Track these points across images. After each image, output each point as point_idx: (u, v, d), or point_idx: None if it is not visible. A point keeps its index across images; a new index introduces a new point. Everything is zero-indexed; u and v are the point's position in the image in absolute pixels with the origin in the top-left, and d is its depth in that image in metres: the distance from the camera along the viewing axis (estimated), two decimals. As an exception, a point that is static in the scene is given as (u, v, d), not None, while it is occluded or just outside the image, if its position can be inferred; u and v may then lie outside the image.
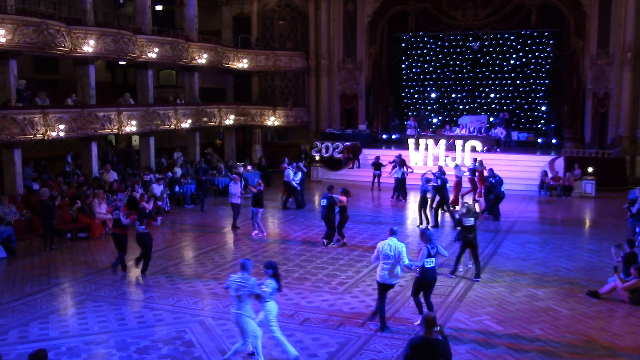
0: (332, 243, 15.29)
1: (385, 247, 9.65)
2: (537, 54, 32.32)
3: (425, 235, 9.90)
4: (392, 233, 9.84)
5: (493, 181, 18.52)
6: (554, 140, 29.18)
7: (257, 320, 8.56)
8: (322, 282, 12.27)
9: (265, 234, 16.56)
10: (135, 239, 12.98)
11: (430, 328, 6.47)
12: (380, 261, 9.69)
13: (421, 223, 17.44)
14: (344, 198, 15.14)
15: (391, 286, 9.82)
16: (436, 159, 25.97)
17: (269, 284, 8.49)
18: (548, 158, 25.28)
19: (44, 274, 12.95)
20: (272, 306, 8.54)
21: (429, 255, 9.72)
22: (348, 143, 27.79)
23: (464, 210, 12.64)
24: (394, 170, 21.91)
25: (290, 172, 20.40)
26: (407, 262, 9.69)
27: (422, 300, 9.99)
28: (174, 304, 10.98)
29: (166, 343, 9.23)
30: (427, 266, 9.71)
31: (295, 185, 20.27)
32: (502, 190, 18.61)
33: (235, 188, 17.24)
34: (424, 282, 9.79)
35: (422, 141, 26.48)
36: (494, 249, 15.08)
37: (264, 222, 17.97)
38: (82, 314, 10.49)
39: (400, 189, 21.63)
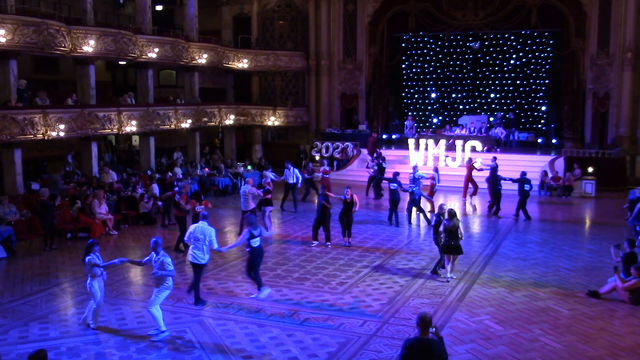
0: (316, 242, 15.35)
1: (197, 230, 10.72)
2: (537, 54, 32.36)
3: (247, 220, 11.25)
4: (204, 218, 10.95)
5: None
6: (554, 140, 29.19)
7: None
8: (322, 282, 12.28)
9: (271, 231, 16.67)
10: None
11: (425, 329, 6.44)
12: (191, 243, 10.75)
13: (410, 222, 18.07)
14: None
15: (203, 266, 10.87)
16: (436, 159, 26.02)
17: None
18: (548, 158, 25.29)
19: (44, 274, 12.96)
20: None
21: (252, 236, 10.89)
22: (373, 135, 28.29)
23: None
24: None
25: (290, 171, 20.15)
26: (215, 246, 10.83)
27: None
28: (174, 304, 10.98)
29: (166, 343, 9.24)
30: (254, 245, 10.95)
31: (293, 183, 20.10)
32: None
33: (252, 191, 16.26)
34: (256, 260, 11.05)
35: (422, 141, 26.47)
36: (494, 249, 15.08)
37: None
38: (82, 314, 10.48)
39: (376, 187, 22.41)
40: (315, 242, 15.31)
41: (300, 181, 20.42)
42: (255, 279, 11.25)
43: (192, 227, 10.99)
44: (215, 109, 27.54)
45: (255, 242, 11.02)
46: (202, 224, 10.88)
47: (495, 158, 21.35)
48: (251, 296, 11.26)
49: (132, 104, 22.71)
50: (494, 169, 19.69)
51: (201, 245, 10.70)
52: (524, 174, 18.82)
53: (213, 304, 10.96)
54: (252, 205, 16.28)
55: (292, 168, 20.31)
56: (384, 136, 31.56)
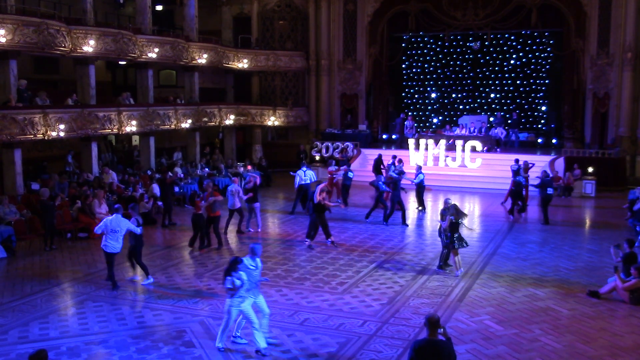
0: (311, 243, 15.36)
1: (113, 223, 11.70)
2: (537, 54, 32.33)
3: (135, 209, 12.83)
4: (117, 211, 12.01)
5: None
6: (554, 140, 29.17)
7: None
8: (322, 282, 12.28)
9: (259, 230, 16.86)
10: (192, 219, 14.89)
11: (434, 329, 6.40)
12: (108, 235, 11.66)
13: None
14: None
15: (116, 254, 11.89)
16: (436, 159, 26.01)
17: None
18: (548, 158, 25.27)
19: (44, 274, 12.96)
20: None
21: (139, 224, 12.12)
22: (401, 115, 28.94)
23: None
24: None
25: (301, 172, 19.44)
26: (138, 231, 11.98)
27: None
28: (174, 304, 10.98)
29: (166, 343, 9.24)
30: (138, 233, 12.05)
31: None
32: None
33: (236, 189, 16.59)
34: (140, 246, 12.26)
35: (422, 141, 26.47)
36: (494, 249, 15.08)
37: (264, 221, 18.00)
38: (82, 314, 10.49)
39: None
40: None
41: (297, 184, 19.57)
42: (143, 266, 12.35)
43: (107, 220, 11.85)
44: (215, 109, 27.54)
45: (138, 230, 12.05)
46: (116, 217, 11.78)
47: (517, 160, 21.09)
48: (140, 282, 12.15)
49: (132, 104, 22.71)
50: (516, 172, 19.84)
51: (118, 236, 11.70)
52: (544, 173, 18.51)
53: (213, 304, 10.95)
54: (238, 204, 16.50)
55: (302, 170, 19.50)
56: (384, 136, 31.57)
